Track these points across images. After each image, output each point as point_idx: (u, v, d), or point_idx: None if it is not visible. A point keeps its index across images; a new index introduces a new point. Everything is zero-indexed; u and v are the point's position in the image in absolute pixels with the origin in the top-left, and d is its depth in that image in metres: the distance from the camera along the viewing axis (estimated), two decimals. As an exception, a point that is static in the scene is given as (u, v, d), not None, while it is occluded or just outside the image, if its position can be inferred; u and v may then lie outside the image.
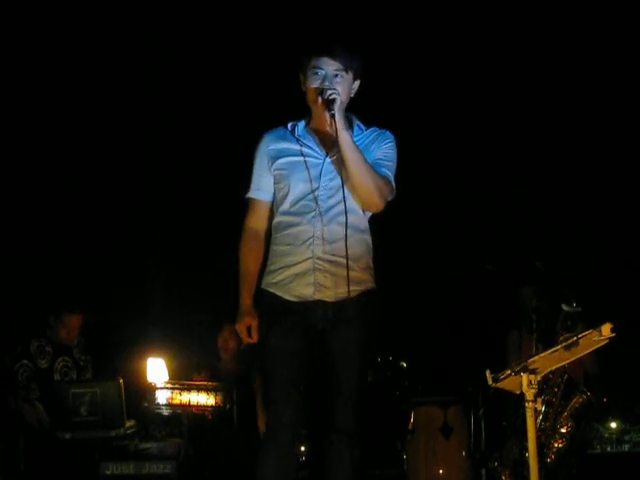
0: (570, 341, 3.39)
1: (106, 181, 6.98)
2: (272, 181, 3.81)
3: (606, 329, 3.34)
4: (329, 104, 3.64)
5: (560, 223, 6.58)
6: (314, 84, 3.74)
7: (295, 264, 3.71)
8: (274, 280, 3.75)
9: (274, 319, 3.71)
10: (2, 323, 6.40)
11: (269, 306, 3.75)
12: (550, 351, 3.43)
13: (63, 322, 6.01)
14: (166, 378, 5.88)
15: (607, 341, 3.38)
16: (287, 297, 3.71)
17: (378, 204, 3.72)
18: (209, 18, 6.78)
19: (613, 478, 5.57)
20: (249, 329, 3.73)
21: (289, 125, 3.86)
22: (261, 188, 3.83)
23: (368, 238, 3.79)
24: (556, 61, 6.70)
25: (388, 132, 3.89)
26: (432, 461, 5.75)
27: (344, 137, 3.64)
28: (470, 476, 5.73)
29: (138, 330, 6.84)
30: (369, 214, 3.82)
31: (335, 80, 3.73)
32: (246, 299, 3.78)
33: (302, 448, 6.12)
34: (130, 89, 6.91)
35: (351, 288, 3.68)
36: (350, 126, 3.80)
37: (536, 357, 3.43)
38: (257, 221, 3.84)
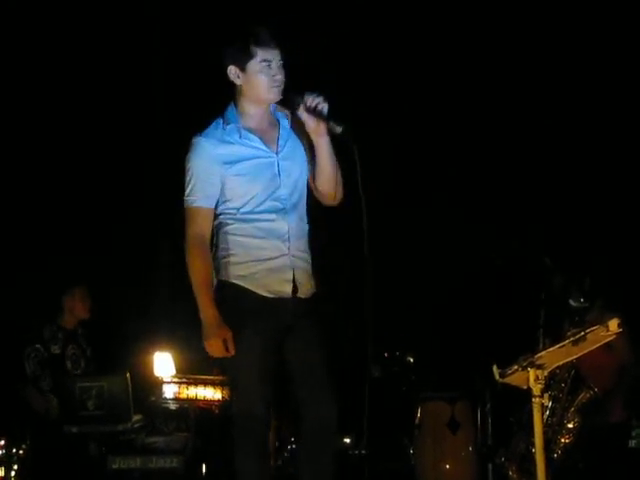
0: (577, 336, 3.38)
1: (108, 170, 6.98)
2: (219, 187, 3.65)
3: (613, 324, 3.33)
4: (320, 114, 3.56)
5: (569, 213, 6.55)
6: (267, 77, 3.60)
7: (270, 259, 3.63)
8: (242, 273, 3.63)
9: (244, 315, 3.59)
10: (12, 312, 6.43)
11: (236, 300, 3.62)
12: (557, 346, 3.42)
13: (76, 297, 6.11)
14: (173, 372, 5.90)
15: (614, 336, 3.37)
16: (260, 292, 3.63)
17: (341, 195, 3.75)
18: (209, 17, 6.76)
19: (617, 474, 5.51)
20: (224, 342, 3.54)
21: (227, 127, 3.68)
22: (209, 195, 3.67)
23: None
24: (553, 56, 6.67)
25: None
26: (439, 456, 5.75)
27: (328, 142, 3.62)
28: (477, 471, 5.73)
29: (144, 324, 6.83)
30: None
31: (282, 72, 3.65)
32: (213, 310, 3.57)
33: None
34: (130, 87, 6.90)
35: (313, 284, 3.74)
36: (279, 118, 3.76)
37: (543, 352, 3.42)
38: (204, 229, 3.67)
